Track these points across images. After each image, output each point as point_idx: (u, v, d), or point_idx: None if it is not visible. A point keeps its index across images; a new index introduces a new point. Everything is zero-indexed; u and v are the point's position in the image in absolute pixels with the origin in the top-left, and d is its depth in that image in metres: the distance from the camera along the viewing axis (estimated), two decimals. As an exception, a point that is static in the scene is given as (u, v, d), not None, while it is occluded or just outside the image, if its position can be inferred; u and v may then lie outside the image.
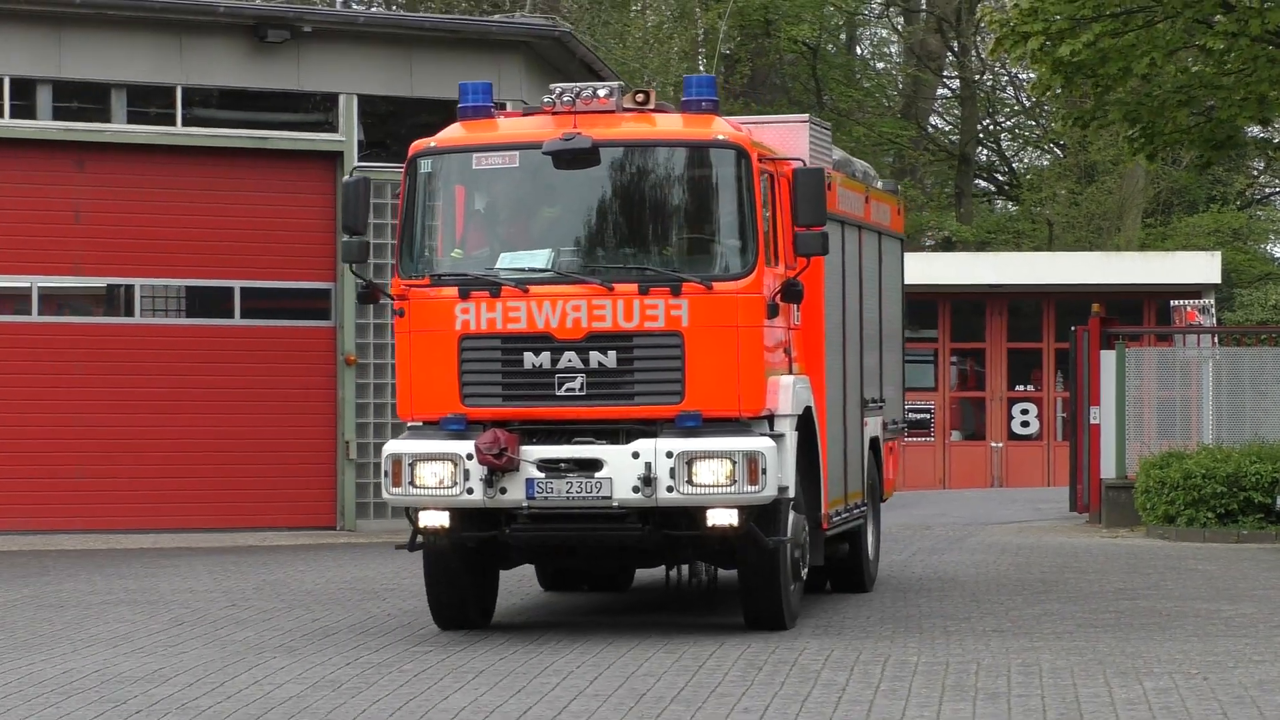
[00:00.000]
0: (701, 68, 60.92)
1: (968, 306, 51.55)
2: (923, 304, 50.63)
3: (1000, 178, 74.76)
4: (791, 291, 18.03)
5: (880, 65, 75.11)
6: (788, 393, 18.26)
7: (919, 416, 49.91)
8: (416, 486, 17.91)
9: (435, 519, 18.07)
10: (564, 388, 17.83)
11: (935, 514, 38.42)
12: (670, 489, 17.27)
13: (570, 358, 17.87)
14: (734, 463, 17.45)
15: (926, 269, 53.79)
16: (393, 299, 18.57)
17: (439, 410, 17.96)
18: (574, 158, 18.11)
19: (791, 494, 17.98)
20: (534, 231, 19.06)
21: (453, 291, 18.04)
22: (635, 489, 17.33)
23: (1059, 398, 48.72)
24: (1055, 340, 48.79)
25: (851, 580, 22.12)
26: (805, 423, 18.95)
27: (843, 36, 72.70)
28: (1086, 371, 36.85)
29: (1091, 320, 34.78)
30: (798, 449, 18.78)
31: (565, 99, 18.43)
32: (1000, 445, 51.20)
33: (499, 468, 17.47)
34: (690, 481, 17.46)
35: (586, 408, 17.75)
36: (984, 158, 72.80)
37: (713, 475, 17.61)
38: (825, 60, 68.68)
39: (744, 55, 65.70)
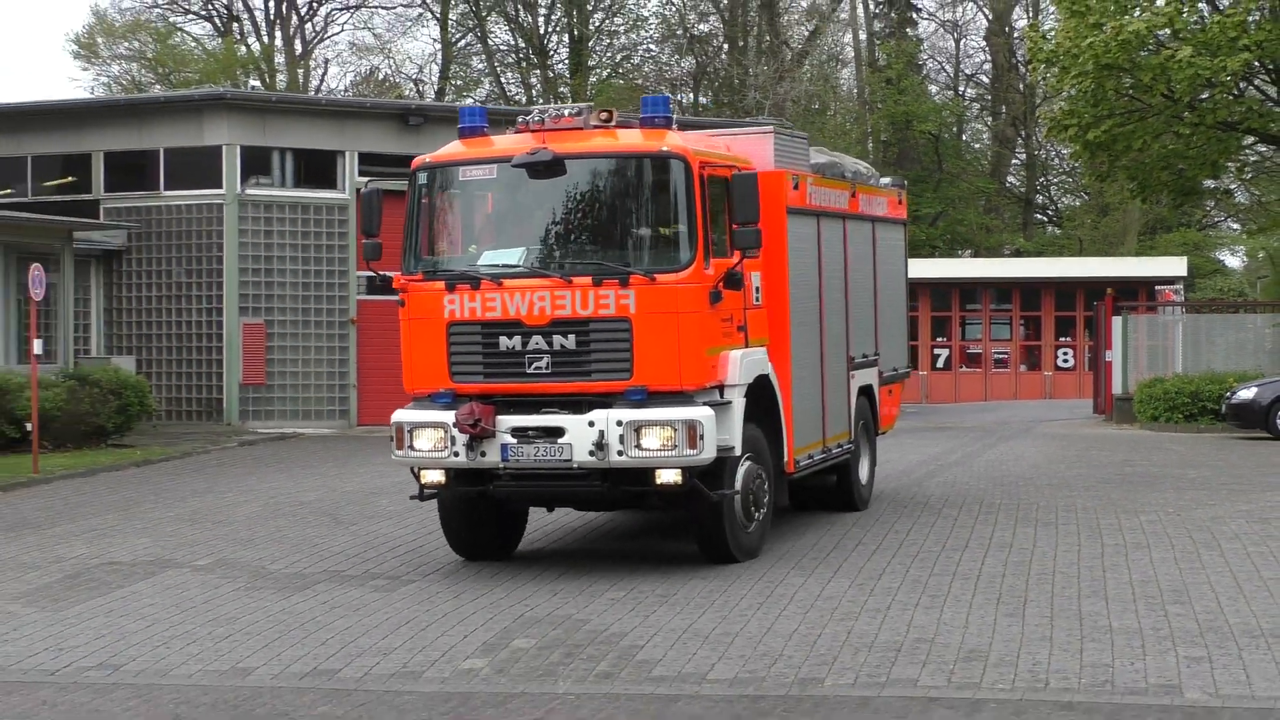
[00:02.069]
0: (869, 148, 59.88)
1: (1030, 290, 51.60)
2: (1004, 289, 49.98)
3: (1050, 212, 73.71)
4: (732, 280, 15.31)
5: (976, 145, 73.45)
6: (736, 365, 15.57)
7: (1000, 355, 50.59)
8: (414, 449, 15.42)
9: (432, 475, 15.55)
10: (533, 366, 15.17)
11: (1009, 415, 41.20)
12: (620, 453, 14.74)
13: (537, 341, 15.16)
14: (675, 430, 14.74)
15: (1004, 269, 54.28)
16: (397, 291, 16.08)
17: (433, 385, 15.54)
18: (540, 169, 15.20)
19: (739, 451, 15.50)
20: (509, 233, 16.14)
21: (441, 285, 15.48)
22: (591, 453, 14.77)
23: (1086, 345, 48.72)
24: (1084, 311, 49.40)
25: (844, 502, 19.17)
26: (763, 387, 16.29)
27: (954, 128, 70.96)
28: (1103, 330, 36.16)
29: (1106, 299, 38.73)
30: (756, 409, 16.08)
31: (536, 119, 15.80)
32: (1050, 374, 51.78)
33: (475, 435, 15.04)
34: (638, 446, 14.75)
35: (551, 383, 15.19)
36: (1040, 200, 71.67)
37: (656, 440, 14.81)
38: (943, 142, 67.55)
39: (894, 140, 64.42)
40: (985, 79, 76.02)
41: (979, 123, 78.59)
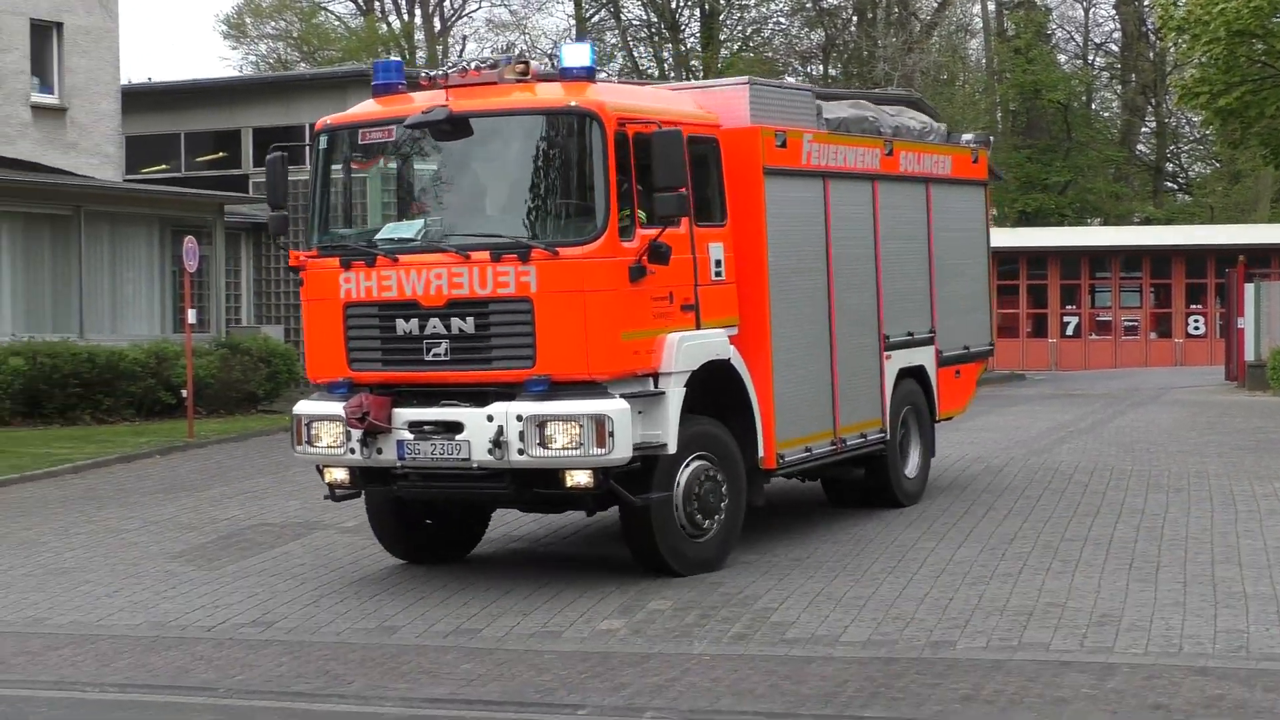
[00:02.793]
0: (998, 118, 59.28)
1: (1160, 258, 51.01)
2: (1133, 257, 49.71)
3: (1180, 180, 72.54)
4: (657, 254, 12.75)
5: (1105, 114, 72.44)
6: (673, 350, 13.01)
7: (1130, 323, 50.21)
8: (313, 445, 13.41)
9: (335, 474, 13.55)
10: (431, 353, 12.94)
11: (1139, 382, 40.65)
12: (521, 451, 12.44)
13: (435, 324, 12.90)
14: (580, 425, 12.40)
15: (1133, 236, 54.10)
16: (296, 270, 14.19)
17: (332, 374, 13.45)
18: (437, 129, 13.06)
19: (673, 449, 12.99)
20: (410, 202, 14.03)
21: (336, 262, 13.35)
22: (490, 451, 12.52)
23: (1217, 312, 48.01)
24: (1215, 278, 48.56)
25: (883, 498, 16.32)
26: (725, 374, 13.76)
27: (1083, 97, 70.02)
28: (1235, 297, 35.65)
29: (1238, 266, 37.25)
30: (715, 399, 13.81)
31: (441, 73, 13.62)
32: (1180, 341, 50.97)
33: (364, 430, 13.04)
34: (540, 444, 12.44)
35: (451, 372, 12.96)
36: (1170, 168, 70.57)
37: (560, 438, 12.46)
38: (1071, 111, 66.73)
39: (1023, 109, 63.75)
40: (1115, 47, 75.18)
41: (1108, 91, 77.77)
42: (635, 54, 66.86)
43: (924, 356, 17.04)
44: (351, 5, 70.31)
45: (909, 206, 16.83)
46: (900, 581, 13.18)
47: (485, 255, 12.77)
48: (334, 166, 13.74)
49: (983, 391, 35.84)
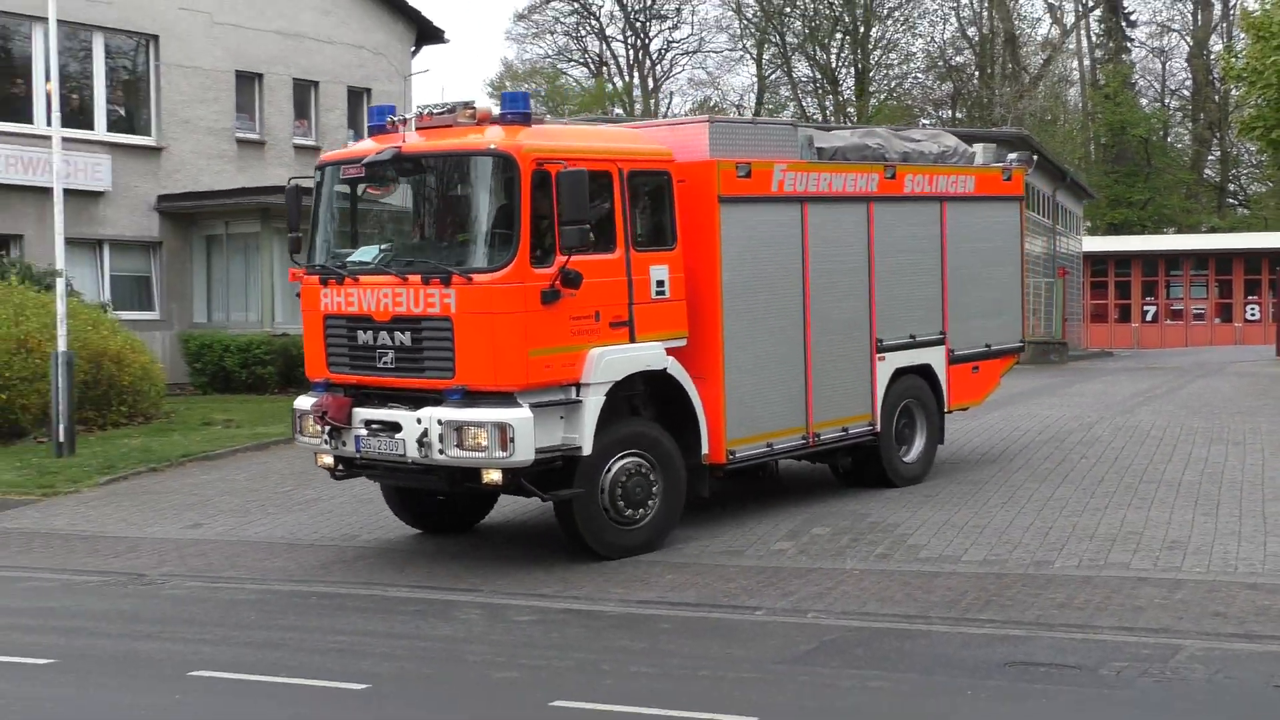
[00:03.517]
0: (1091, 149, 57.85)
1: (1223, 259, 50.20)
2: (1201, 258, 49.04)
3: (1240, 197, 70.23)
4: (567, 279, 11.37)
5: (1179, 145, 70.29)
6: (594, 364, 11.68)
7: (1198, 311, 49.17)
8: (303, 435, 12.59)
9: (323, 459, 12.64)
10: (381, 361, 11.99)
11: (1205, 358, 39.52)
12: (441, 451, 11.47)
13: (384, 336, 11.98)
14: (486, 431, 11.33)
15: (1201, 242, 53.47)
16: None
17: (318, 374, 12.57)
18: (383, 167, 12.16)
19: (588, 450, 11.65)
20: (372, 230, 13.09)
21: (316, 280, 12.47)
22: (419, 449, 11.60)
23: (1270, 302, 46.92)
24: (1269, 274, 47.72)
25: (876, 480, 14.57)
26: (665, 381, 12.33)
27: (1160, 132, 67.98)
28: None
29: None
30: (656, 403, 12.45)
31: (396, 118, 12.49)
32: (1240, 325, 49.69)
33: (324, 425, 12.21)
34: (457, 445, 11.40)
35: (394, 378, 11.98)
36: (1232, 188, 68.43)
37: (470, 441, 11.41)
38: (1151, 143, 65.05)
39: (1111, 143, 62.47)
40: (1186, 92, 72.58)
41: (1181, 127, 75.04)
42: (804, 104, 66.62)
43: (931, 356, 15.16)
44: (585, 70, 71.11)
45: (916, 223, 14.97)
46: (1010, 513, 12.96)
47: (419, 278, 11.67)
48: (324, 197, 12.69)
49: (1078, 365, 35.23)
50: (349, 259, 12.53)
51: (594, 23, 69.44)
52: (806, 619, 9.80)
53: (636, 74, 69.26)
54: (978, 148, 16.49)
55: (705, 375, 12.80)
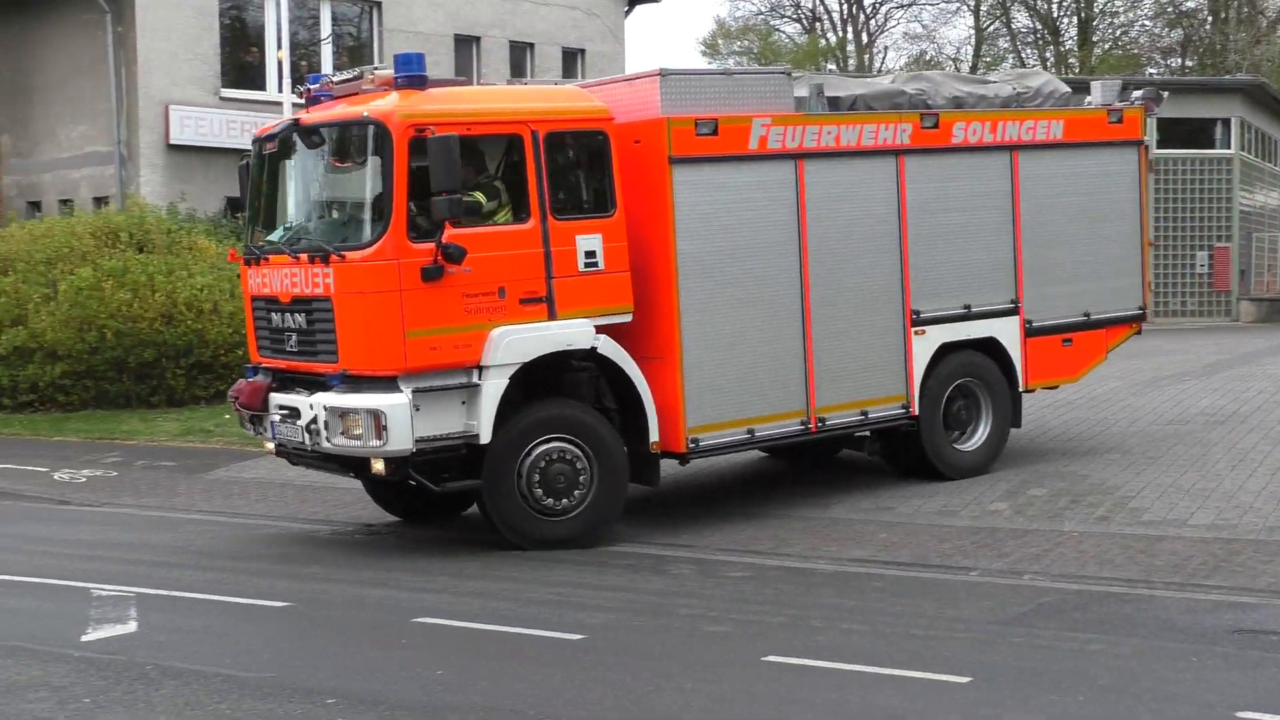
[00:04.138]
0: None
1: None
2: None
3: None
4: (448, 254, 10.27)
5: None
6: (496, 345, 10.57)
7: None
8: (241, 422, 12.04)
9: (267, 445, 11.77)
10: (288, 344, 11.16)
11: None
12: (328, 439, 10.59)
13: (288, 318, 11.13)
14: (360, 419, 10.38)
15: None
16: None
17: (252, 357, 11.82)
18: (292, 138, 11.22)
19: (486, 439, 10.59)
20: (283, 207, 11.68)
21: (243, 260, 11.75)
22: (309, 436, 10.79)
23: None
24: None
25: (919, 469, 13.00)
26: (599, 361, 11.15)
27: None
28: None
29: None
30: (598, 384, 11.33)
31: (314, 86, 11.59)
32: None
33: (239, 411, 11.74)
34: (341, 433, 10.47)
35: (295, 361, 11.12)
36: None
37: (347, 429, 10.47)
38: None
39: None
40: None
41: None
42: (1023, 55, 64.88)
43: (997, 328, 13.31)
44: (798, 25, 70.52)
45: (973, 177, 13.14)
46: (1240, 477, 12.48)
47: (306, 258, 10.85)
48: (252, 174, 11.89)
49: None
50: (267, 238, 11.72)
51: (808, -22, 69.06)
52: (1022, 580, 9.62)
53: (850, 29, 68.41)
54: (1096, 85, 14.54)
55: (661, 355, 11.55)
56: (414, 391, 10.51)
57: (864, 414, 12.56)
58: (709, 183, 11.63)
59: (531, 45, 31.19)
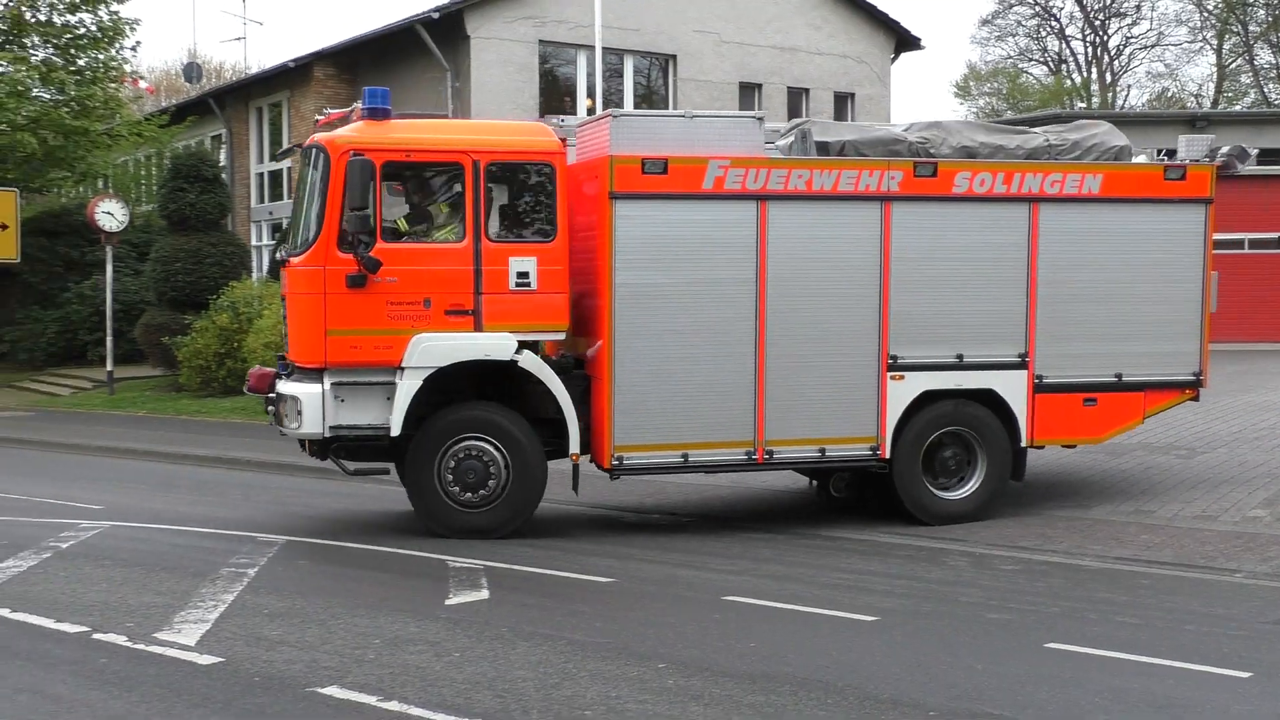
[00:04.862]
0: None
1: None
2: None
3: None
4: (367, 264, 10.52)
5: None
6: (412, 349, 10.69)
7: None
8: None
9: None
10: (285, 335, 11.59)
11: None
12: (287, 423, 10.91)
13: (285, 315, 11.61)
14: (286, 404, 10.81)
15: None
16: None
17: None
18: (284, 157, 10.91)
19: (395, 432, 10.75)
20: (294, 217, 11.75)
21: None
22: (273, 419, 11.30)
23: None
24: None
25: (898, 511, 11.92)
26: (522, 372, 11.10)
27: None
28: None
29: None
30: (523, 393, 11.26)
31: (319, 118, 12.03)
32: None
33: (251, 393, 11.81)
34: (289, 417, 10.84)
35: (289, 353, 11.29)
36: None
37: (282, 413, 10.91)
38: None
39: None
40: None
41: None
42: (1265, 91, 61.35)
43: (997, 380, 11.89)
44: (1045, 68, 68.41)
45: (977, 228, 11.79)
46: None
47: (288, 261, 11.28)
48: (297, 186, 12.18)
49: None
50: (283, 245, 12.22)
51: (1054, 24, 66.58)
52: (1288, 584, 9.25)
53: (1094, 69, 65.97)
54: (1182, 139, 12.75)
55: (599, 375, 11.29)
56: (334, 384, 10.84)
57: (822, 451, 11.64)
58: (655, 218, 11.19)
59: (806, 90, 31.14)
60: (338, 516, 12.53)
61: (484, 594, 8.92)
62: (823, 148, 11.73)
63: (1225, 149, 12.58)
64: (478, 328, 11.03)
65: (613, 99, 28.42)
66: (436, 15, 26.88)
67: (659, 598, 8.97)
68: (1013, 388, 11.94)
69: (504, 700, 6.42)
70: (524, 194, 11.30)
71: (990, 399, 11.96)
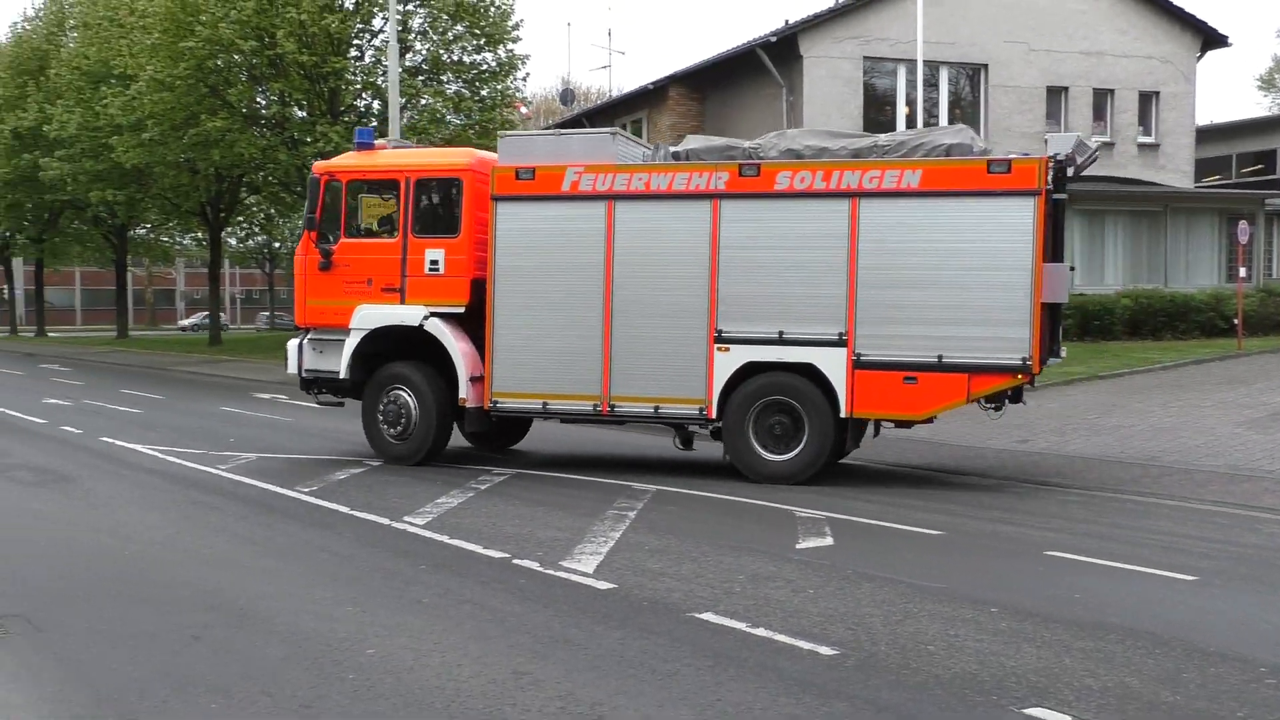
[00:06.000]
0: None
1: None
2: None
3: None
4: (323, 254, 12.78)
5: None
6: (356, 316, 12.68)
7: None
8: None
9: None
10: None
11: None
12: (287, 367, 13.45)
13: None
14: (289, 353, 13.25)
15: None
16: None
17: None
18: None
19: (342, 376, 12.83)
20: None
21: None
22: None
23: None
24: None
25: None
26: (425, 335, 12.66)
27: None
28: None
29: None
30: (427, 349, 12.80)
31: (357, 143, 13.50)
32: None
33: None
34: (288, 362, 13.29)
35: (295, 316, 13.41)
36: None
37: (286, 359, 13.47)
38: None
39: None
40: None
41: None
42: None
43: (817, 356, 11.48)
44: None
45: (799, 220, 11.46)
46: None
47: None
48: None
49: None
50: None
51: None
52: None
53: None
54: (1050, 138, 11.61)
55: (486, 339, 12.58)
56: (309, 339, 13.12)
57: (656, 409, 12.04)
58: (526, 215, 12.28)
59: (1111, 91, 29.31)
60: (692, 472, 12.76)
61: (829, 540, 8.93)
62: (676, 156, 12.30)
63: (1069, 142, 11.41)
64: (402, 301, 12.75)
65: (928, 107, 27.72)
66: (774, 39, 27.01)
67: (986, 550, 8.74)
68: (832, 363, 11.60)
69: (855, 632, 6.42)
70: (439, 202, 12.95)
71: (811, 373, 11.70)
